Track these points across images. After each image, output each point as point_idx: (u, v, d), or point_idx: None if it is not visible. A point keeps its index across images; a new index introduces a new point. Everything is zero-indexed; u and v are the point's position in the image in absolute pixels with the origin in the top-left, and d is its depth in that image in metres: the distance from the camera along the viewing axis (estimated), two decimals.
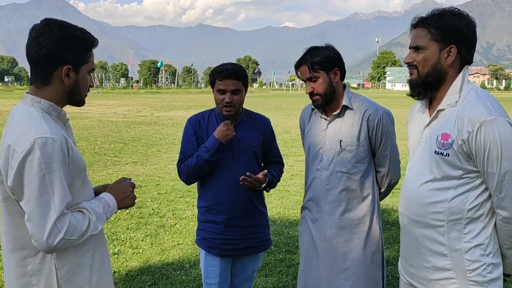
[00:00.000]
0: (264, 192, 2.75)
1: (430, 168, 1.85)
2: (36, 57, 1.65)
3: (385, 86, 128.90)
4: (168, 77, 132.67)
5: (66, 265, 1.69)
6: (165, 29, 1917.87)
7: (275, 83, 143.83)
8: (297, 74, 2.43)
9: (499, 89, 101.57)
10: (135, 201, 1.93)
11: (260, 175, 2.55)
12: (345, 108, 2.38)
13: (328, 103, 2.39)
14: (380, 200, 2.55)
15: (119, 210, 1.93)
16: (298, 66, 2.39)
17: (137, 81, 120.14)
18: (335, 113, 2.39)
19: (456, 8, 1.85)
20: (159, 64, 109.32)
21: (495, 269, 1.82)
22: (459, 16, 1.82)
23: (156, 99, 44.28)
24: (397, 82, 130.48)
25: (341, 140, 2.36)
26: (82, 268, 1.74)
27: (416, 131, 1.99)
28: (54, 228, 1.54)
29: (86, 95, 1.83)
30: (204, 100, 41.77)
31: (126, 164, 9.47)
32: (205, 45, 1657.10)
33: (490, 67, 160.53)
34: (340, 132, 2.37)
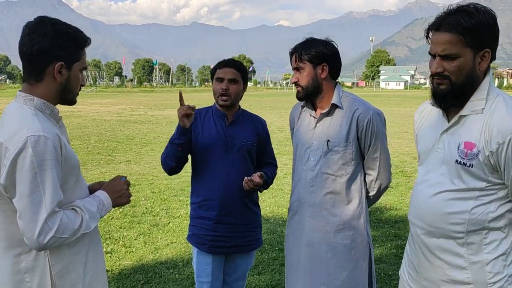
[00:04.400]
0: (257, 192, 2.76)
1: (450, 178, 1.71)
2: (29, 53, 1.65)
3: (379, 85, 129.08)
4: (162, 75, 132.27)
5: (60, 262, 1.70)
6: (160, 28, 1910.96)
7: (270, 82, 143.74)
8: (291, 63, 2.37)
9: None
10: (130, 199, 1.94)
11: (257, 179, 2.53)
12: (335, 106, 2.29)
13: (309, 97, 2.32)
14: (370, 205, 2.45)
15: (113, 209, 1.94)
16: (290, 54, 2.35)
17: (131, 80, 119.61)
18: (323, 111, 2.30)
19: (478, 4, 1.65)
20: (154, 63, 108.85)
21: None
22: (485, 13, 1.61)
23: (150, 97, 44.16)
24: (391, 81, 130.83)
25: (328, 140, 2.27)
26: (76, 266, 1.74)
27: (430, 134, 1.83)
28: (45, 226, 1.55)
29: (78, 94, 1.83)
30: (199, 99, 41.62)
31: (120, 163, 9.45)
32: (199, 44, 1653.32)
33: None
34: (328, 131, 2.28)
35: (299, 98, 2.35)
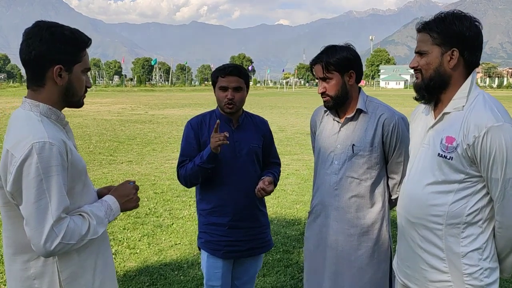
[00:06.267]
0: None
1: (432, 170, 1.84)
2: (28, 59, 1.65)
3: (378, 84, 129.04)
4: (162, 74, 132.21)
5: (69, 268, 1.69)
6: (159, 27, 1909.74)
7: (269, 81, 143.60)
8: (311, 71, 2.35)
9: (491, 87, 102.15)
10: (138, 203, 1.92)
11: (269, 187, 2.54)
12: (359, 111, 2.30)
13: (339, 105, 2.31)
14: (391, 208, 2.46)
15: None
16: (313, 64, 2.31)
17: (131, 79, 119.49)
18: (348, 116, 2.31)
19: (459, 11, 1.86)
20: (153, 62, 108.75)
21: (492, 273, 1.83)
22: (460, 19, 1.81)
23: (150, 97, 44.12)
24: (391, 80, 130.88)
25: (353, 145, 2.27)
26: (85, 271, 1.74)
27: (419, 132, 1.98)
28: (52, 233, 1.55)
29: (84, 96, 1.81)
30: (198, 98, 41.65)
31: (122, 163, 9.43)
32: (199, 43, 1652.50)
33: (483, 65, 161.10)
34: (353, 136, 2.29)
35: (328, 107, 2.34)
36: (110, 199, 1.80)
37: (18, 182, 1.54)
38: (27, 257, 1.67)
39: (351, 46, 2.33)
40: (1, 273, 4.00)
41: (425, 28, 1.85)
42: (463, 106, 1.81)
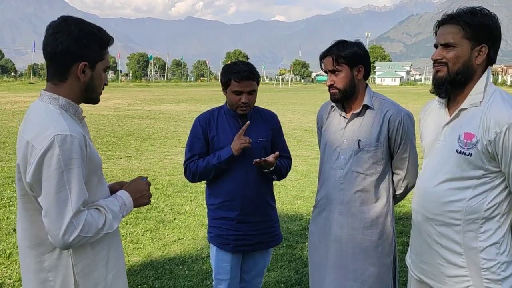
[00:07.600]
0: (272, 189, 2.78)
1: (449, 167, 1.84)
2: (53, 53, 1.65)
3: (374, 81, 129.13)
4: (158, 70, 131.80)
5: (83, 261, 1.70)
6: (154, 22, 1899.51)
7: (265, 77, 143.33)
8: (320, 65, 2.38)
9: None
10: (150, 199, 1.94)
11: (271, 157, 2.56)
12: (366, 107, 2.33)
13: (345, 99, 2.34)
14: (395, 203, 2.49)
15: None
16: (323, 57, 2.35)
17: (126, 74, 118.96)
18: (355, 112, 2.34)
19: (485, 8, 1.85)
20: (149, 58, 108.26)
21: (508, 266, 1.84)
22: (489, 16, 1.82)
23: (146, 92, 43.95)
24: (387, 77, 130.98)
25: (359, 140, 2.31)
26: (98, 265, 1.75)
27: (432, 129, 1.97)
28: (70, 225, 1.56)
29: (101, 93, 1.83)
30: (194, 94, 41.58)
31: (121, 158, 9.42)
32: (194, 39, 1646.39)
33: None
34: (359, 131, 2.33)
35: (335, 100, 2.36)
36: (124, 195, 1.82)
37: (39, 174, 1.55)
38: (42, 250, 1.68)
39: (361, 43, 2.37)
40: (6, 267, 4.00)
41: (456, 20, 1.82)
42: (480, 101, 1.81)
